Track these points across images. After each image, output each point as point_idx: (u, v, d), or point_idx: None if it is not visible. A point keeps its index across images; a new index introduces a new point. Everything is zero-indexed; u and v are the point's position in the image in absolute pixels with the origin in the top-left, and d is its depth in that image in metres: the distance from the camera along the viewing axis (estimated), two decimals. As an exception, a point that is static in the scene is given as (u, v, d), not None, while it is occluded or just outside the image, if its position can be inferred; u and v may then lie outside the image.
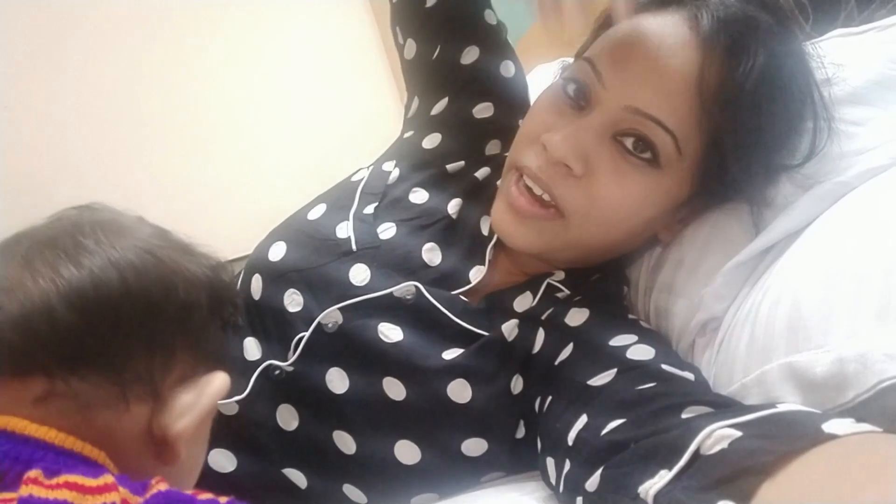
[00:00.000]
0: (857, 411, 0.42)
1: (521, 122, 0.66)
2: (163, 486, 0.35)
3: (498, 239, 0.66)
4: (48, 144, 1.37)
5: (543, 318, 0.62)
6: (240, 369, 0.60)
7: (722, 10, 0.56)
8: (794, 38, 0.59)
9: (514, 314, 0.63)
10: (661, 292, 0.66)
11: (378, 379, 0.58)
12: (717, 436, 0.37)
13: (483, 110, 0.74)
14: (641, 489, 0.38)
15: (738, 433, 0.37)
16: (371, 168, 0.73)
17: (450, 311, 0.61)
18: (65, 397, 0.36)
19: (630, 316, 0.65)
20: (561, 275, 0.67)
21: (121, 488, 0.34)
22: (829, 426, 0.35)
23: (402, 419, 0.58)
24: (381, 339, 0.59)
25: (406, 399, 0.58)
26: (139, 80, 1.47)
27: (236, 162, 1.58)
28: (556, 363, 0.58)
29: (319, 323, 0.60)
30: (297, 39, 1.67)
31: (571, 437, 0.49)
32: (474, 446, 0.58)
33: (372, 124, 1.65)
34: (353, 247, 0.64)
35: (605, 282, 0.68)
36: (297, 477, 0.59)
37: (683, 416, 0.43)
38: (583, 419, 0.49)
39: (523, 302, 0.64)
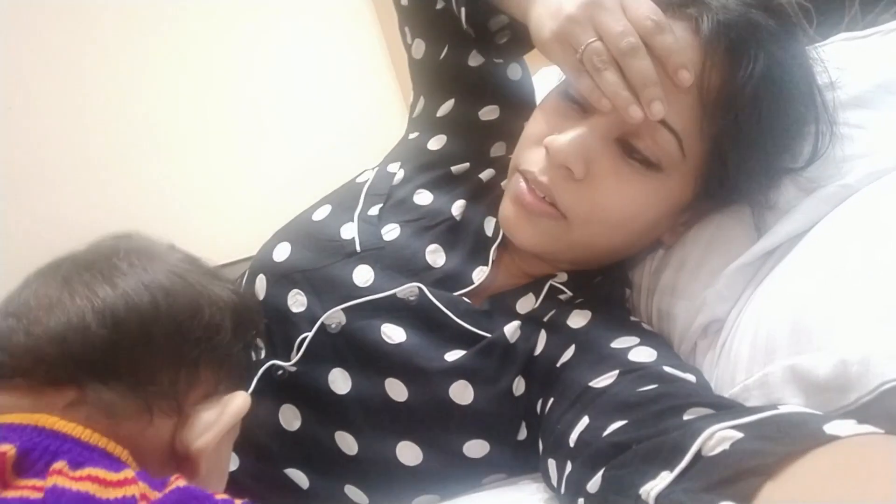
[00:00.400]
0: (860, 413, 0.42)
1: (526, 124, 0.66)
2: (181, 483, 0.36)
3: (501, 240, 0.66)
4: (48, 144, 1.37)
5: (546, 319, 0.62)
6: None
7: (723, 14, 0.56)
8: (796, 41, 0.59)
9: (516, 316, 0.63)
10: (663, 294, 0.66)
11: (380, 380, 0.58)
12: (718, 437, 0.37)
13: (489, 112, 0.74)
14: (643, 490, 0.38)
15: (740, 434, 0.37)
16: (376, 169, 0.73)
17: (452, 313, 0.61)
18: (93, 405, 0.39)
19: (632, 318, 0.65)
20: (563, 276, 0.67)
21: (140, 483, 0.35)
22: (831, 428, 0.35)
23: (404, 420, 0.58)
24: (383, 340, 0.59)
25: (408, 400, 0.58)
26: (141, 80, 1.48)
27: (241, 163, 1.58)
28: (558, 365, 0.58)
29: (323, 323, 0.60)
30: (300, 40, 1.67)
31: (573, 439, 0.49)
32: (476, 448, 0.59)
33: (375, 126, 1.65)
34: (358, 248, 0.64)
35: (607, 284, 0.69)
36: (299, 477, 0.59)
37: (685, 417, 0.43)
38: (584, 421, 0.49)
39: (526, 303, 0.65)
